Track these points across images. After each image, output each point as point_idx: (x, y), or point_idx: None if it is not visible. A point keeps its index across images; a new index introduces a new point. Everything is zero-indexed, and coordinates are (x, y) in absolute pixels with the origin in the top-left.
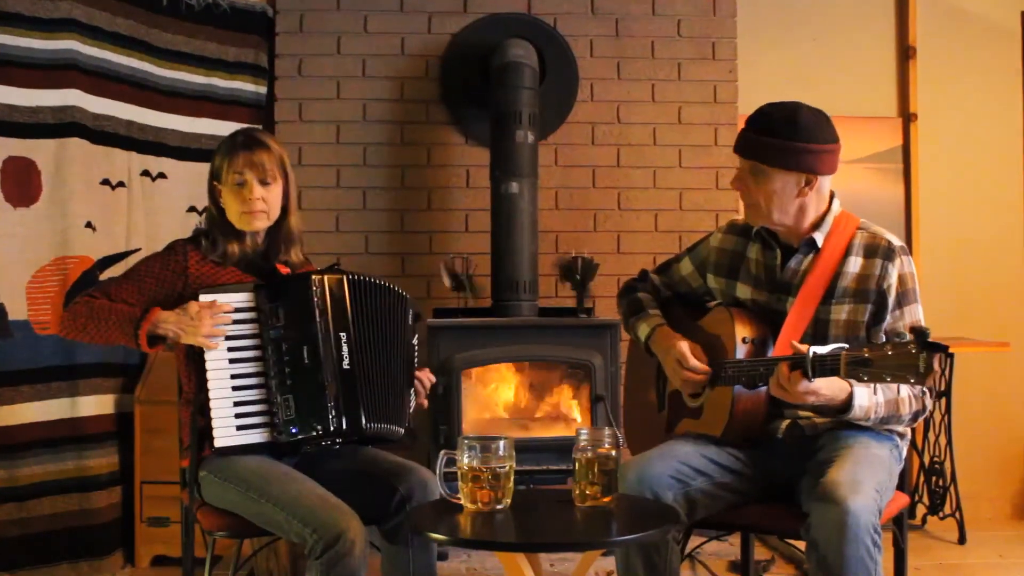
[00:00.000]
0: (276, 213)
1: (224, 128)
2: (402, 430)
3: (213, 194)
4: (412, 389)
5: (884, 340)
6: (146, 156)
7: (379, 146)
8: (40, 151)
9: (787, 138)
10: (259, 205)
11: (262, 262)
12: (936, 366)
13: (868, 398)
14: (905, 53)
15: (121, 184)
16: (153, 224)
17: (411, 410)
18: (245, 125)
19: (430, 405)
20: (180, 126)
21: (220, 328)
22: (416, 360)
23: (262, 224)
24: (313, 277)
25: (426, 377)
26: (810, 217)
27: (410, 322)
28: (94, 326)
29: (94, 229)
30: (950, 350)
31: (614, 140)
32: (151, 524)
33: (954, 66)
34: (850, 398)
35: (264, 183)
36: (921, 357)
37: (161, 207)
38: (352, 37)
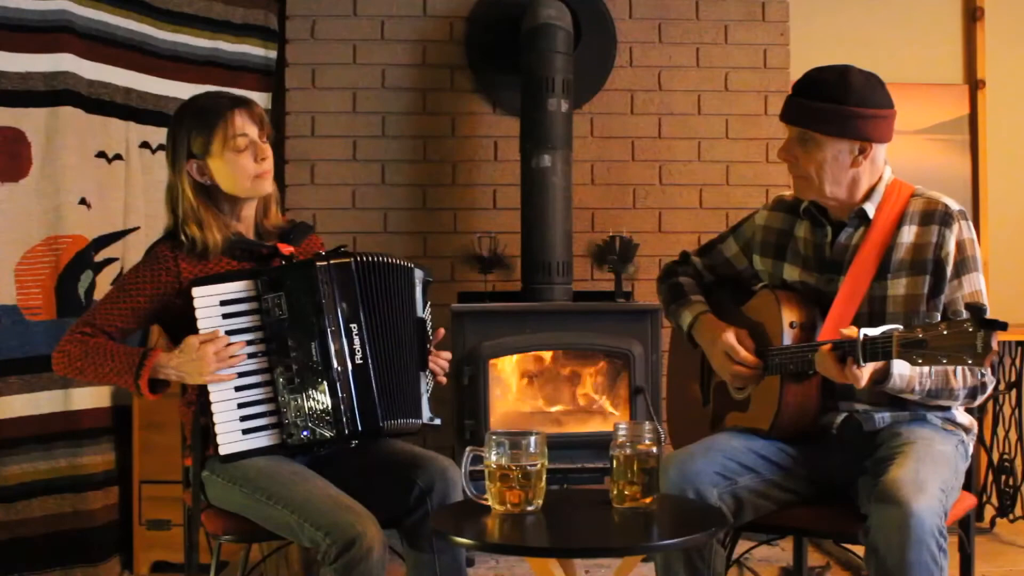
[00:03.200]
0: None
1: None
2: (420, 421)
3: (186, 180)
4: (428, 370)
5: (941, 314)
6: (145, 126)
7: (399, 115)
8: (30, 121)
9: (838, 102)
10: (269, 163)
11: (255, 244)
12: (995, 345)
13: (908, 367)
14: (972, 14)
15: (118, 157)
16: (153, 201)
17: (428, 393)
18: (257, 93)
19: (454, 398)
20: (183, 94)
21: (227, 361)
22: (431, 333)
23: (270, 186)
24: (318, 264)
25: (442, 359)
26: (863, 189)
27: (419, 295)
28: (91, 370)
29: (89, 206)
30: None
31: (655, 109)
32: (151, 527)
33: None
34: (887, 367)
35: (265, 141)
36: (979, 336)
37: (161, 181)
38: None
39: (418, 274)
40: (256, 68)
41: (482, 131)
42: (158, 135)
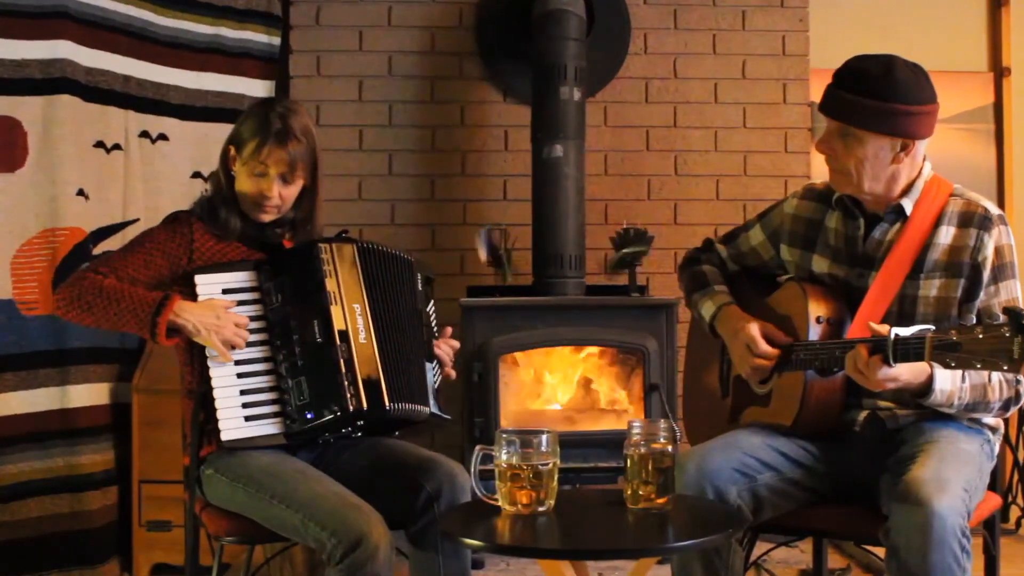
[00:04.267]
0: (288, 207)
1: (232, 84)
2: (427, 409)
3: (226, 158)
4: (435, 362)
5: (976, 320)
6: (145, 115)
7: (407, 104)
8: (26, 110)
9: (883, 99)
10: (274, 202)
11: (268, 236)
12: None
13: (951, 381)
14: (997, 0)
15: (117, 147)
16: (153, 191)
17: (436, 385)
18: (260, 81)
19: (463, 395)
20: (183, 82)
21: (243, 335)
22: (435, 329)
23: (269, 218)
24: (320, 244)
25: (448, 345)
26: (901, 184)
27: (419, 288)
28: (102, 307)
29: (87, 197)
30: None
31: (670, 97)
32: (151, 529)
33: None
34: (930, 381)
35: (286, 181)
36: (1016, 341)
37: (162, 172)
38: None
39: (421, 270)
40: (259, 55)
41: (492, 120)
42: (158, 124)
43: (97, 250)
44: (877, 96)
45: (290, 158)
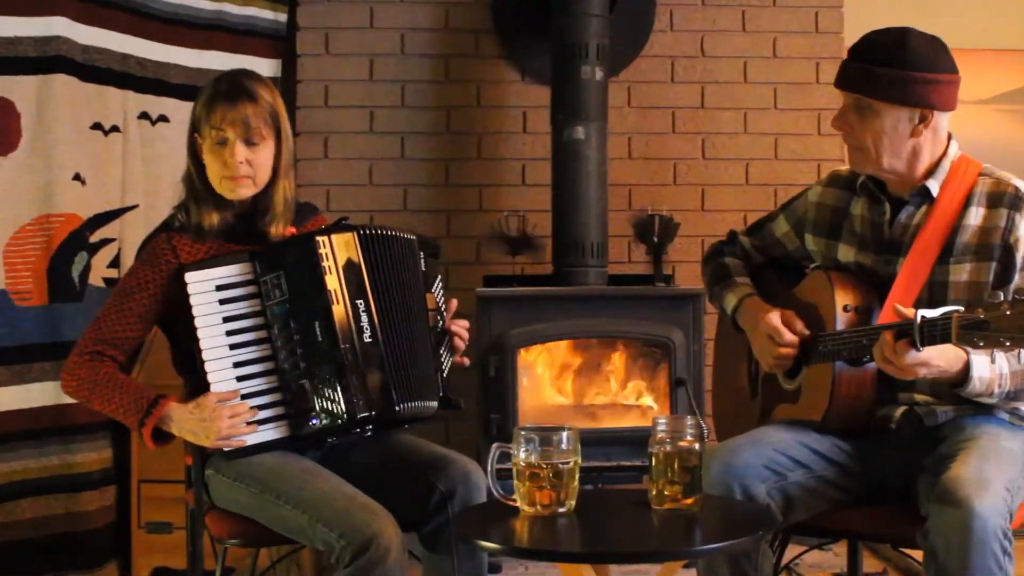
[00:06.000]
0: (265, 177)
1: (237, 63)
2: (436, 404)
3: (193, 148)
4: (445, 347)
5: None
6: (145, 96)
7: (420, 84)
8: (19, 90)
9: (897, 66)
10: (243, 170)
11: (248, 230)
12: None
13: (989, 369)
14: None
15: (115, 129)
16: (152, 176)
17: (446, 372)
18: (266, 60)
19: (479, 390)
20: (185, 60)
21: (240, 429)
22: (443, 307)
23: (247, 192)
24: (318, 239)
25: (457, 325)
26: (924, 162)
27: (423, 267)
28: (98, 402)
29: (83, 182)
30: None
31: (697, 77)
32: (151, 531)
33: None
34: (967, 368)
35: (249, 143)
36: None
37: (162, 155)
38: None
39: (424, 246)
40: (264, 32)
41: (510, 101)
42: (158, 105)
43: (94, 237)
44: (891, 64)
45: (242, 114)
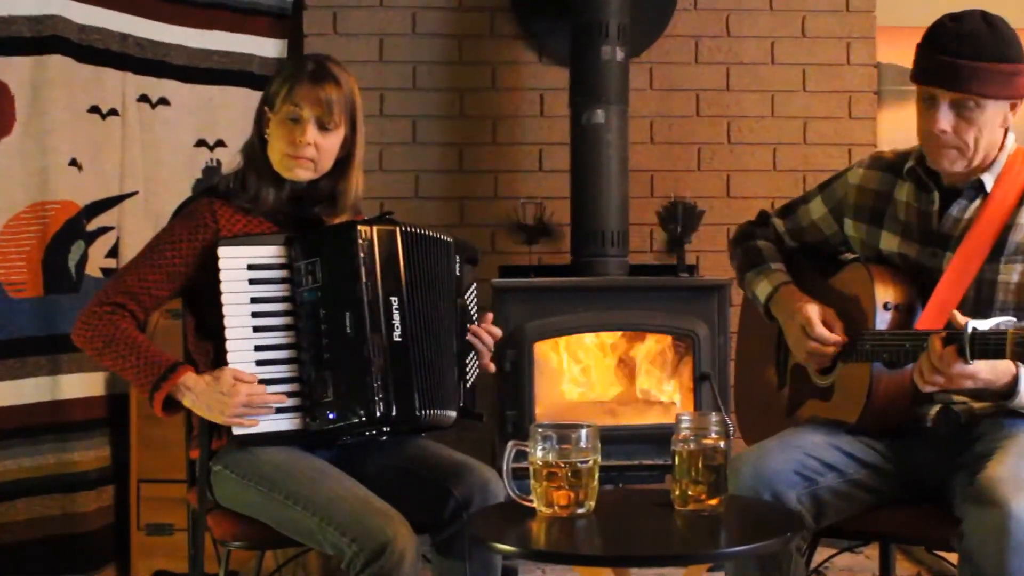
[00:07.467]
0: (327, 166)
1: (240, 43)
2: (454, 414)
3: (260, 121)
4: (471, 357)
5: None
6: (144, 77)
7: (432, 65)
8: (13, 71)
9: (999, 60)
10: (308, 151)
11: (297, 214)
12: None
13: None
14: None
15: (113, 112)
16: (153, 161)
17: (470, 383)
18: (271, 40)
19: (495, 386)
20: (186, 41)
21: (253, 409)
22: (475, 314)
23: (305, 175)
24: (359, 228)
25: (488, 334)
26: (982, 154)
27: (458, 273)
28: (111, 358)
29: (80, 168)
30: None
31: (722, 58)
32: (150, 532)
33: None
34: (1015, 381)
35: (323, 127)
36: None
37: (163, 140)
38: None
39: (462, 251)
40: (269, 11)
41: (526, 83)
42: (158, 87)
43: (91, 226)
44: (995, 58)
45: (326, 96)
